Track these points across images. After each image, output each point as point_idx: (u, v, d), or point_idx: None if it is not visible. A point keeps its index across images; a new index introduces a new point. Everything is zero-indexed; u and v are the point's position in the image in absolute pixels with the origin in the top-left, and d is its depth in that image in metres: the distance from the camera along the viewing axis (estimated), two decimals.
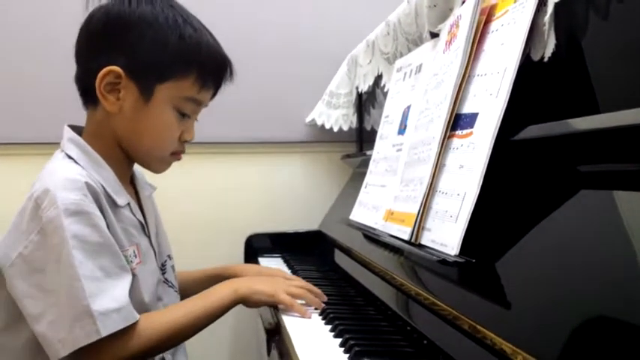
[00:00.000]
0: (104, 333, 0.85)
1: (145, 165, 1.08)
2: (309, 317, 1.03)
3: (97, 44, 0.99)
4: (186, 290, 1.25)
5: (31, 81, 1.75)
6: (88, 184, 0.91)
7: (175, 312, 0.98)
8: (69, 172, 0.92)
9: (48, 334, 0.86)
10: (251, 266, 1.38)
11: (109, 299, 0.87)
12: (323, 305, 1.08)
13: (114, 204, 0.97)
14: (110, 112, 0.99)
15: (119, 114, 0.99)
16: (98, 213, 0.91)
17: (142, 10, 0.98)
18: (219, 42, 1.05)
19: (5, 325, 0.94)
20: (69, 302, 0.85)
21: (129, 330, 0.89)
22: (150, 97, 0.99)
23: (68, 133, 1.01)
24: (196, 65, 1.00)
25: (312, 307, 1.07)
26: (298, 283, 1.12)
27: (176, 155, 1.07)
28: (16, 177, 1.78)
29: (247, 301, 1.04)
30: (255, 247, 1.73)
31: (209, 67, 1.03)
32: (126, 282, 0.92)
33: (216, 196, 1.96)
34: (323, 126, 1.95)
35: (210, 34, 1.04)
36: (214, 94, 1.08)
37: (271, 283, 1.08)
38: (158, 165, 1.07)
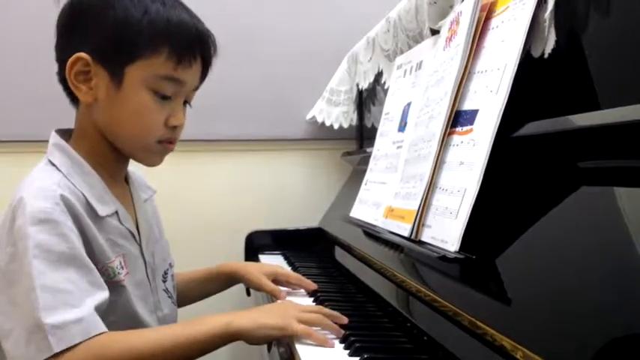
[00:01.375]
0: (57, 348, 0.77)
1: (136, 158, 1.01)
2: (332, 346, 0.87)
3: (64, 36, 0.95)
4: (185, 292, 1.24)
5: (19, 78, 1.76)
6: (62, 197, 0.86)
7: (153, 335, 0.86)
8: (44, 181, 0.88)
9: (11, 351, 0.80)
10: (251, 264, 1.34)
11: (67, 312, 0.79)
12: (342, 332, 0.91)
13: (96, 215, 0.91)
14: (86, 104, 0.95)
15: (96, 104, 0.94)
16: (69, 223, 0.85)
17: None
18: (199, 18, 0.99)
19: None
20: (24, 315, 0.79)
21: (92, 346, 0.79)
22: (121, 80, 0.92)
23: (54, 138, 0.97)
24: (166, 40, 0.92)
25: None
26: (312, 308, 0.98)
27: (166, 144, 0.98)
28: (7, 175, 1.79)
29: (249, 337, 0.88)
30: (256, 245, 1.73)
31: (182, 41, 0.94)
32: (96, 297, 0.84)
33: (216, 193, 1.96)
34: (323, 123, 1.95)
35: (187, 10, 0.97)
36: (204, 74, 1.01)
37: (281, 312, 0.92)
38: (146, 155, 0.99)
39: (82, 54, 0.92)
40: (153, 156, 1.00)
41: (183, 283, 1.23)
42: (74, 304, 0.80)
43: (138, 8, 0.92)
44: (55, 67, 0.98)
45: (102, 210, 0.93)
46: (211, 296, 1.31)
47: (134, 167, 1.09)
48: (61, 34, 0.96)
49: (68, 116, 1.02)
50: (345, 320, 0.94)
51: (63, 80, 0.97)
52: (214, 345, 0.87)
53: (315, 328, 0.90)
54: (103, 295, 0.86)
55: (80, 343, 0.79)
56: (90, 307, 0.82)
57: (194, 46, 0.96)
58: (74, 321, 0.79)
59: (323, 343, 0.87)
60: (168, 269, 1.11)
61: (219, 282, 1.29)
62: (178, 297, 1.16)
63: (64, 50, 0.94)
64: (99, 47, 0.92)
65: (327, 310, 0.96)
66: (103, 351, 0.80)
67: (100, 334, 0.81)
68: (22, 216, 0.83)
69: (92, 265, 0.86)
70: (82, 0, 0.95)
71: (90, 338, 0.80)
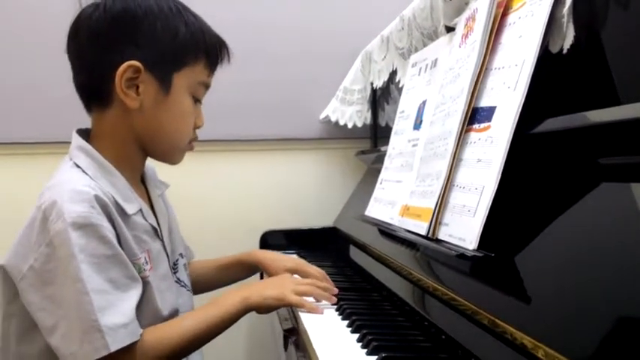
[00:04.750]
0: (113, 348, 0.85)
1: (165, 158, 1.07)
2: (322, 313, 1.03)
3: (104, 43, 0.97)
4: (204, 279, 1.29)
5: (33, 80, 1.77)
6: (97, 197, 0.90)
7: (183, 324, 0.97)
8: (77, 184, 0.91)
9: (61, 347, 0.87)
10: (269, 252, 1.39)
11: (118, 314, 0.87)
12: (334, 299, 1.09)
13: (124, 213, 0.96)
14: (129, 110, 0.98)
15: (138, 110, 0.98)
16: (106, 224, 0.90)
17: (146, 2, 0.98)
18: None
19: (21, 334, 0.94)
20: (78, 316, 0.85)
21: (137, 345, 0.89)
22: (169, 87, 1.00)
23: (77, 140, 1.00)
24: (204, 49, 1.02)
25: (324, 302, 1.08)
26: (307, 280, 1.12)
27: (190, 144, 1.08)
28: (20, 177, 1.81)
29: (259, 309, 1.03)
30: (270, 244, 1.73)
31: (214, 50, 1.05)
32: (134, 294, 0.92)
33: (231, 193, 1.96)
34: (337, 122, 1.95)
35: (202, 19, 1.06)
36: None
37: (279, 286, 1.06)
38: (179, 156, 1.08)
39: (135, 62, 0.96)
40: (181, 156, 1.08)
41: (200, 273, 1.28)
42: (120, 306, 0.88)
43: (178, 19, 1.00)
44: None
45: (129, 208, 0.97)
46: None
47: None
48: (97, 40, 0.98)
49: (80, 118, 1.03)
50: (334, 290, 1.12)
51: (87, 85, 1.00)
52: (236, 319, 1.01)
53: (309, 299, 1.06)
54: (139, 287, 0.94)
55: (131, 344, 0.87)
56: (133, 311, 0.89)
57: (222, 54, 1.07)
58: (123, 325, 0.87)
59: (314, 311, 1.03)
60: (178, 259, 1.14)
61: (240, 270, 1.34)
62: (202, 284, 1.26)
63: (103, 57, 0.97)
64: (150, 56, 0.97)
65: (319, 280, 1.15)
66: (158, 339, 0.92)
67: (143, 336, 0.90)
68: (60, 220, 0.87)
69: (127, 260, 0.92)
70: (127, 9, 0.97)
71: (137, 340, 0.89)
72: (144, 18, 0.97)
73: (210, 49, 1.04)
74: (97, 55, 0.98)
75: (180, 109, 1.02)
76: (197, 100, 1.05)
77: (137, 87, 0.97)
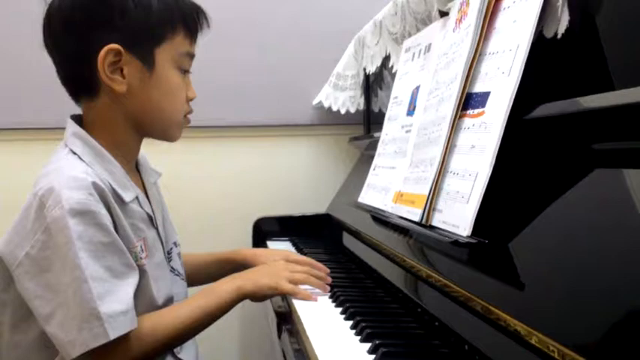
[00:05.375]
0: (112, 336, 0.84)
1: (164, 136, 1.05)
2: (316, 300, 1.03)
3: (79, 31, 0.95)
4: (195, 274, 1.26)
5: (27, 65, 1.75)
6: (94, 184, 0.90)
7: (179, 312, 0.97)
8: (74, 170, 0.91)
9: (59, 334, 0.86)
10: (260, 250, 1.37)
11: (116, 301, 0.87)
12: (328, 288, 1.08)
13: (121, 200, 0.96)
14: (118, 95, 0.96)
15: (127, 93, 0.97)
16: (104, 212, 0.90)
17: None
18: None
19: (15, 323, 0.93)
20: (76, 303, 0.85)
21: (133, 332, 0.89)
22: (152, 64, 0.98)
23: (72, 126, 0.99)
24: (180, 19, 1.00)
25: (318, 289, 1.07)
26: (300, 268, 1.11)
27: (187, 118, 1.06)
28: (14, 163, 1.80)
29: (253, 297, 1.03)
30: (264, 231, 1.73)
31: (190, 17, 1.02)
32: (132, 282, 0.91)
33: (223, 180, 1.96)
34: (330, 108, 1.94)
35: None
36: None
37: (273, 274, 1.06)
38: (177, 131, 1.05)
39: (114, 45, 0.94)
40: (179, 131, 1.06)
41: (191, 266, 1.25)
42: (118, 293, 0.88)
43: None
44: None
45: (126, 196, 0.97)
46: None
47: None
48: (71, 28, 0.96)
49: (73, 104, 1.02)
50: (328, 279, 1.11)
51: (70, 76, 0.99)
52: (229, 308, 1.01)
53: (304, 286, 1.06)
54: (136, 274, 0.93)
55: (129, 332, 0.88)
56: (131, 299, 0.89)
57: (200, 20, 1.04)
58: (122, 312, 0.87)
59: (307, 298, 1.03)
60: (172, 248, 1.13)
61: (229, 268, 1.29)
62: (189, 278, 1.21)
63: (81, 45, 0.95)
64: (127, 36, 0.95)
65: (314, 267, 1.13)
66: (154, 326, 0.92)
67: (141, 324, 0.90)
68: (57, 207, 0.86)
69: (124, 247, 0.92)
70: None
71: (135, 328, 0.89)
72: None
73: (186, 18, 1.01)
74: (74, 45, 0.96)
75: (167, 84, 1.00)
76: (185, 72, 1.03)
77: (121, 70, 0.95)
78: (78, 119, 1.01)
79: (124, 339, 0.87)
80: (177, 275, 1.12)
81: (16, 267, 0.89)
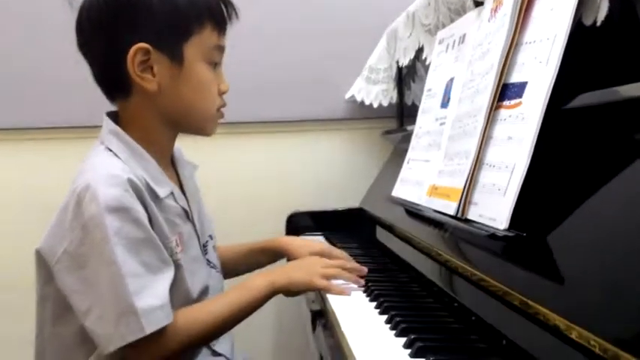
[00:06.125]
0: (148, 330, 0.86)
1: (199, 131, 1.06)
2: (349, 294, 1.03)
3: (107, 32, 0.97)
4: (230, 264, 1.27)
5: (61, 64, 1.78)
6: (130, 180, 0.91)
7: (213, 307, 0.99)
8: (110, 167, 0.92)
9: (96, 329, 0.88)
10: (295, 239, 1.38)
11: (152, 296, 0.88)
12: (362, 281, 1.07)
13: (156, 196, 0.97)
14: (150, 93, 0.97)
15: (158, 91, 0.97)
16: (140, 208, 0.91)
17: None
18: None
19: (56, 317, 0.96)
20: (113, 299, 0.87)
21: (169, 327, 0.90)
22: (181, 60, 0.98)
23: (108, 124, 1.00)
24: (207, 13, 0.99)
25: (353, 284, 1.07)
26: (334, 262, 1.11)
27: (220, 112, 1.06)
28: (50, 162, 1.83)
29: (287, 293, 1.04)
30: (297, 226, 1.73)
31: (217, 10, 1.01)
32: (167, 277, 0.93)
33: (257, 175, 1.96)
34: (363, 102, 1.93)
35: None
36: None
37: (306, 270, 1.06)
38: (211, 126, 1.06)
39: (142, 44, 0.95)
40: (214, 125, 1.06)
41: (226, 257, 1.26)
42: (154, 288, 0.89)
43: None
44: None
45: (161, 192, 0.98)
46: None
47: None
48: (100, 31, 0.97)
49: (103, 101, 1.03)
50: (364, 271, 1.10)
51: (104, 77, 1.00)
52: (262, 304, 1.02)
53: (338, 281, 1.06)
54: (172, 270, 0.94)
55: (165, 326, 0.89)
56: (167, 294, 0.90)
57: (228, 12, 1.03)
58: (158, 307, 0.88)
59: (341, 293, 1.02)
60: (208, 241, 1.13)
61: (265, 257, 1.32)
62: (225, 270, 1.22)
63: (111, 46, 0.96)
64: (155, 33, 0.96)
65: (346, 262, 1.14)
66: (189, 321, 0.93)
67: (176, 318, 0.91)
68: (94, 204, 0.88)
69: (160, 242, 0.93)
70: None
71: (170, 322, 0.90)
72: None
73: (213, 11, 1.00)
74: (103, 47, 0.98)
75: (198, 78, 1.00)
76: (216, 65, 1.03)
77: (151, 68, 0.96)
78: (114, 116, 1.02)
79: (159, 333, 0.88)
80: (212, 268, 1.13)
81: (56, 263, 0.91)
